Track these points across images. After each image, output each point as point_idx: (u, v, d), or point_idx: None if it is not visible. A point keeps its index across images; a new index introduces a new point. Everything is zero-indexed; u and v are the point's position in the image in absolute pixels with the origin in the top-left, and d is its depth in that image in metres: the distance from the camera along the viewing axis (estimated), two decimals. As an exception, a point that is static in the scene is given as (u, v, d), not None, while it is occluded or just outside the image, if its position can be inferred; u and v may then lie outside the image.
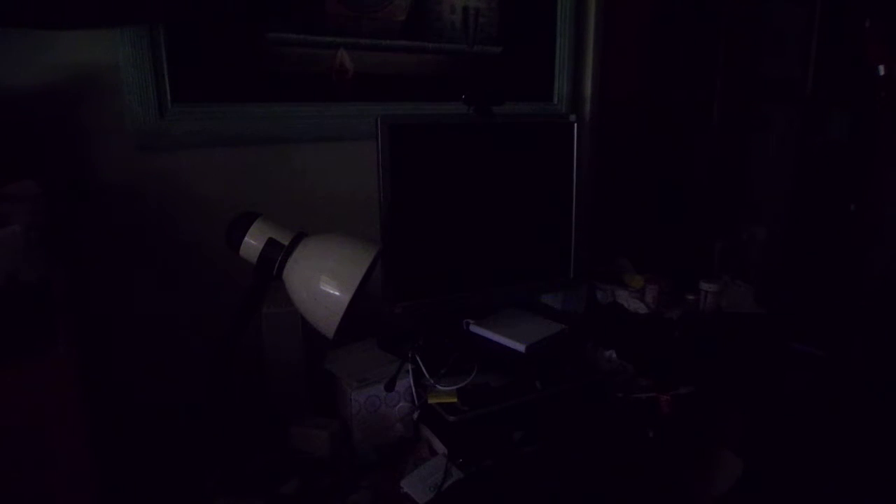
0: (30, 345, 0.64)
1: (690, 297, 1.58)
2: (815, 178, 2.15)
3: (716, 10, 1.94)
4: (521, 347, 1.17)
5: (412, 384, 1.05)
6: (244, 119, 1.20)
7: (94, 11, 1.00)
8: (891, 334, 1.52)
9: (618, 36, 1.74)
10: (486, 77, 1.51)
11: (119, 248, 1.11)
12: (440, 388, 1.05)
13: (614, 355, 1.26)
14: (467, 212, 1.24)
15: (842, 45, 2.00)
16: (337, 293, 0.81)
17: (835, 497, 1.10)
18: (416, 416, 1.05)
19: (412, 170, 1.16)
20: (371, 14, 1.31)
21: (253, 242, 0.85)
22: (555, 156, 1.32)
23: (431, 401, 1.04)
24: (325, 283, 0.81)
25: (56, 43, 1.01)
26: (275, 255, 0.84)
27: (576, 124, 1.32)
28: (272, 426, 1.04)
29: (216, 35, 1.15)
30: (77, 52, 1.03)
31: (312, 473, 0.96)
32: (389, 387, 1.02)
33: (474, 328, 1.26)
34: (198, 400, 0.91)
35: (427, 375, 1.06)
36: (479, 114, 1.22)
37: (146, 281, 1.14)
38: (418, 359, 1.07)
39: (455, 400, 1.03)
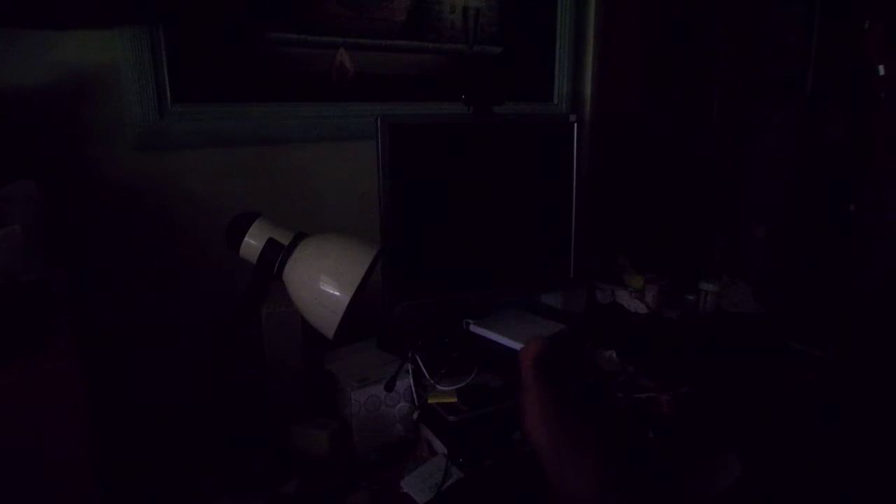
0: (30, 345, 0.64)
1: (690, 297, 1.58)
2: (815, 178, 2.15)
3: (716, 10, 1.94)
4: (520, 347, 1.17)
5: (412, 384, 1.05)
6: (244, 119, 1.20)
7: (94, 11, 1.01)
8: (891, 334, 1.52)
9: (618, 35, 1.74)
10: (486, 77, 1.51)
11: (119, 248, 1.11)
12: (440, 388, 1.05)
13: (614, 355, 1.26)
14: (467, 212, 1.24)
15: (842, 45, 1.99)
16: (337, 293, 0.81)
17: (835, 497, 1.10)
18: (416, 416, 1.05)
19: (412, 170, 1.16)
20: (371, 14, 1.31)
21: (253, 242, 0.85)
22: (555, 156, 1.32)
23: (431, 401, 1.04)
24: (325, 283, 0.81)
25: (56, 43, 1.01)
26: (275, 255, 0.84)
27: (576, 124, 1.32)
28: (272, 426, 1.04)
29: (216, 35, 1.15)
30: (77, 52, 1.03)
31: (312, 473, 0.96)
32: (389, 387, 1.02)
33: (474, 328, 1.26)
34: (198, 400, 0.91)
35: (427, 375, 1.06)
36: (479, 114, 1.22)
37: (146, 281, 1.14)
38: (418, 359, 1.07)
39: (455, 400, 1.03)
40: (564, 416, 0.67)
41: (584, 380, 1.16)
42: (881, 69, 1.69)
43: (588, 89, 1.73)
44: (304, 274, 0.82)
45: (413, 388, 1.05)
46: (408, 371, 1.06)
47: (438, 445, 1.02)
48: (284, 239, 0.85)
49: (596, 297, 1.60)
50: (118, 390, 0.98)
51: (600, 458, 0.63)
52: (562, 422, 0.66)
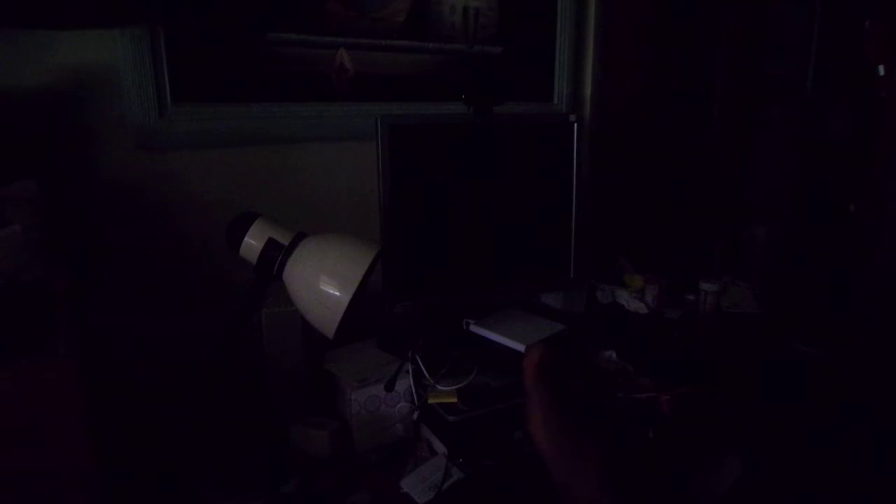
0: (30, 345, 0.64)
1: (690, 297, 1.58)
2: (815, 177, 2.15)
3: (716, 9, 1.94)
4: (521, 347, 1.17)
5: (412, 384, 1.05)
6: (244, 119, 1.20)
7: (94, 11, 1.01)
8: (891, 334, 1.52)
9: (618, 36, 1.74)
10: (486, 77, 1.51)
11: (119, 248, 1.11)
12: (440, 388, 1.05)
13: (614, 355, 1.26)
14: (467, 212, 1.24)
15: (842, 45, 2.00)
16: (337, 293, 0.80)
17: (834, 497, 1.10)
18: (416, 416, 1.05)
19: (412, 170, 1.16)
20: (372, 14, 1.31)
21: (253, 242, 0.84)
22: (555, 156, 1.32)
23: (431, 401, 1.04)
24: (325, 283, 0.81)
25: (56, 43, 1.01)
26: (275, 255, 0.84)
27: (576, 124, 1.32)
28: (272, 426, 1.04)
29: (216, 35, 1.15)
30: (77, 52, 1.03)
31: (312, 473, 0.96)
32: (389, 387, 1.02)
33: (474, 328, 1.26)
34: (198, 400, 0.91)
35: (427, 375, 1.06)
36: (479, 114, 1.22)
37: (146, 281, 1.14)
38: (418, 359, 1.07)
39: (455, 400, 1.03)
40: (568, 421, 0.67)
41: (588, 381, 1.16)
42: (881, 69, 1.69)
43: (588, 90, 1.73)
44: (304, 274, 0.82)
45: (413, 388, 1.05)
46: (408, 371, 1.06)
47: (438, 445, 1.02)
48: (284, 239, 0.85)
49: (596, 297, 1.60)
50: (118, 391, 0.98)
51: (603, 461, 0.63)
52: (565, 426, 0.67)
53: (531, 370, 0.73)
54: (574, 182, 1.34)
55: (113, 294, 1.09)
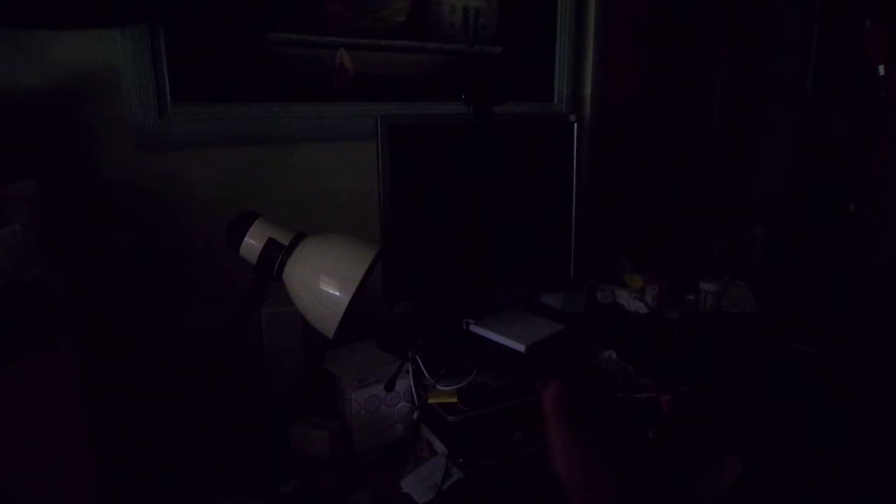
0: (30, 345, 0.64)
1: (690, 297, 1.58)
2: (815, 177, 2.15)
3: (716, 9, 1.94)
4: (521, 347, 1.17)
5: (412, 384, 1.05)
6: (244, 119, 1.20)
7: (94, 11, 1.01)
8: (891, 334, 1.52)
9: (617, 36, 1.74)
10: (486, 77, 1.51)
11: (119, 248, 1.11)
12: (440, 388, 1.05)
13: (614, 355, 1.26)
14: (467, 212, 1.24)
15: (842, 45, 2.00)
16: (337, 293, 0.80)
17: (835, 497, 1.10)
18: (416, 416, 1.05)
19: (412, 170, 1.16)
20: (372, 14, 1.31)
21: (253, 242, 0.85)
22: (555, 156, 1.32)
23: (431, 401, 1.04)
24: (325, 283, 0.81)
25: (56, 43, 1.01)
26: (275, 255, 0.84)
27: (576, 124, 1.32)
28: (272, 426, 1.04)
29: (217, 35, 1.15)
30: (77, 52, 1.03)
31: (312, 473, 0.96)
32: (389, 387, 1.02)
33: (474, 328, 1.26)
34: (198, 400, 0.91)
35: (427, 375, 1.06)
36: (479, 114, 1.22)
37: (146, 281, 1.14)
38: (418, 359, 1.07)
39: (455, 400, 1.03)
40: (586, 448, 0.71)
41: (590, 381, 1.16)
42: (881, 69, 1.69)
43: (588, 90, 1.73)
44: (304, 274, 0.82)
45: (413, 388, 1.05)
46: (408, 371, 1.06)
47: (438, 445, 1.02)
48: (284, 239, 0.85)
49: (596, 297, 1.60)
50: (118, 390, 0.98)
51: (619, 483, 0.66)
52: (578, 447, 0.71)
53: (550, 402, 0.77)
54: (574, 182, 1.34)
55: (113, 294, 1.09)
